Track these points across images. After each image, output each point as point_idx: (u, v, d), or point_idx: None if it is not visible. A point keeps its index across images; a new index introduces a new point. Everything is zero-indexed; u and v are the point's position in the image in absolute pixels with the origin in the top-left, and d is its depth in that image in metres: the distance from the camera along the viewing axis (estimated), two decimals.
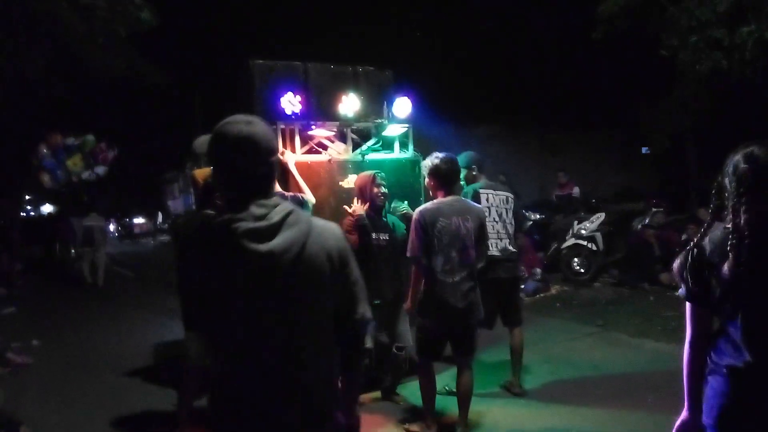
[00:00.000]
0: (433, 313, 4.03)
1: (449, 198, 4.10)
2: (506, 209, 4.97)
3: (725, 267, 1.93)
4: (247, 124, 1.80)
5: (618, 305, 8.08)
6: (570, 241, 9.92)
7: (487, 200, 4.89)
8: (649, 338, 6.46)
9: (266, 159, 1.80)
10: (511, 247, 4.91)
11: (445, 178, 4.10)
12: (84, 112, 15.33)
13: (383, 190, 4.65)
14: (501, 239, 4.90)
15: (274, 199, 1.81)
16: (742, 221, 1.94)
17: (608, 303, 8.24)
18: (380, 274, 4.53)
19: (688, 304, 2.11)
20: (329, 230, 1.91)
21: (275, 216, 1.76)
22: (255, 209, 1.74)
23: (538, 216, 11.11)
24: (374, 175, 4.65)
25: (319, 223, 1.90)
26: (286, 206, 1.80)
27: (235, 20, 16.69)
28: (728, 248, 1.93)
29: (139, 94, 14.51)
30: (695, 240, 2.07)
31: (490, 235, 4.59)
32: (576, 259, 9.85)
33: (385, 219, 4.72)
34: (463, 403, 4.17)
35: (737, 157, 2.01)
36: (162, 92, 13.23)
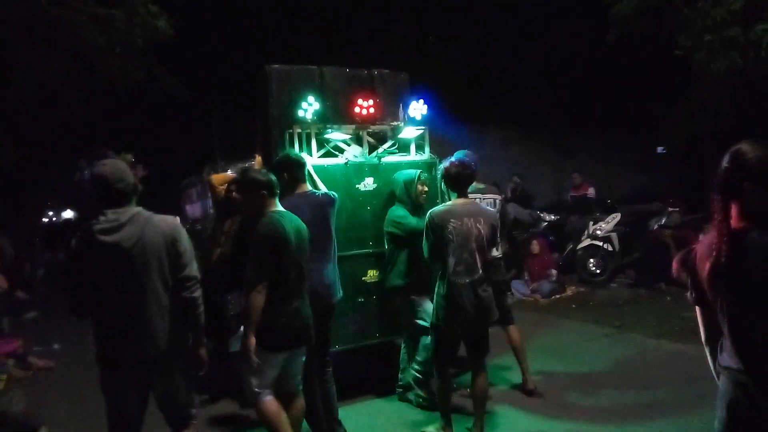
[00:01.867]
0: (447, 315, 4.04)
1: (461, 200, 4.14)
2: None
3: (707, 267, 1.95)
4: (102, 165, 3.01)
5: (635, 306, 8.05)
6: (586, 242, 9.89)
7: None
8: (667, 339, 6.44)
9: (114, 186, 2.93)
10: (494, 251, 4.86)
11: (456, 181, 4.14)
12: (103, 122, 15.58)
13: (426, 189, 4.87)
14: None
15: (131, 209, 2.96)
16: (725, 219, 1.94)
17: (625, 304, 8.21)
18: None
19: (696, 307, 2.14)
20: (165, 221, 3.04)
21: (122, 218, 2.89)
22: (109, 215, 2.90)
23: (553, 217, 11.09)
24: (419, 174, 4.87)
25: (158, 217, 3.02)
26: (133, 211, 2.96)
27: (251, 28, 16.85)
28: (713, 248, 1.94)
29: (158, 103, 14.69)
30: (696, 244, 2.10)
31: None
32: (592, 260, 9.82)
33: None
34: (479, 405, 4.20)
35: (726, 156, 2.01)
36: (179, 101, 13.38)
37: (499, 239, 4.52)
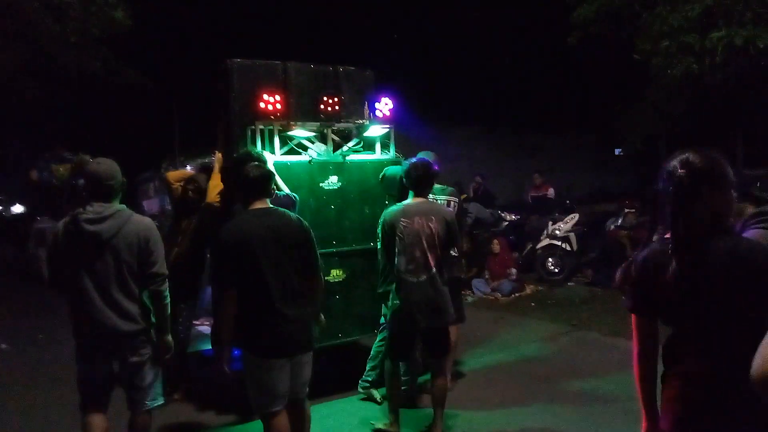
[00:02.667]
0: (400, 314, 4.05)
1: (416, 200, 4.15)
2: None
3: (669, 272, 1.93)
4: (97, 164, 3.38)
5: (591, 305, 8.22)
6: (545, 242, 10.05)
7: None
8: (622, 337, 6.56)
9: (105, 183, 3.30)
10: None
11: (415, 182, 4.14)
12: (59, 113, 15.11)
13: None
14: None
15: (115, 205, 3.32)
16: (681, 226, 1.94)
17: (582, 302, 8.38)
18: None
19: (633, 316, 2.10)
20: (142, 222, 3.39)
21: (106, 212, 3.26)
22: (96, 207, 3.26)
23: (514, 217, 11.23)
24: None
25: (137, 217, 3.39)
26: (117, 208, 3.32)
27: (213, 21, 16.57)
28: (669, 254, 1.94)
29: (115, 95, 14.33)
30: (635, 253, 2.08)
31: None
32: (551, 259, 9.98)
33: None
34: (438, 405, 4.21)
35: (673, 164, 1.99)
36: (138, 93, 13.08)
37: (459, 238, 4.49)
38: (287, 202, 4.21)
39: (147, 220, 3.46)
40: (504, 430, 4.42)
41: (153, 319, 3.40)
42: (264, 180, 3.43)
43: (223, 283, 3.31)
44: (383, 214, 4.18)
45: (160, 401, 3.50)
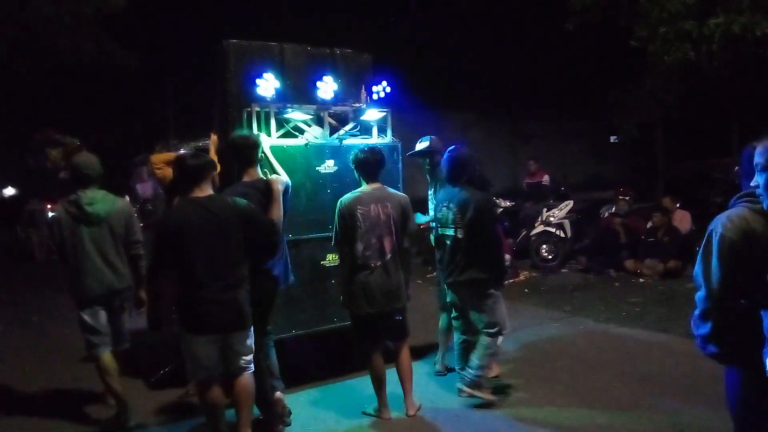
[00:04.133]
0: (359, 299, 4.17)
1: (370, 186, 4.26)
2: None
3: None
4: (80, 158, 4.46)
5: (585, 291, 8.26)
6: (539, 228, 10.08)
7: None
8: (615, 323, 6.62)
9: (88, 174, 4.29)
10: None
11: (366, 168, 4.27)
12: (52, 95, 14.97)
13: None
14: None
15: (100, 191, 4.33)
16: None
17: (575, 289, 8.41)
18: None
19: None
20: (124, 201, 4.72)
21: (97, 196, 4.28)
22: (89, 192, 4.25)
23: (508, 203, 11.23)
24: None
25: (120, 199, 4.55)
26: (102, 192, 4.33)
27: (208, 1, 16.41)
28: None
29: (109, 77, 14.21)
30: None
31: None
32: (545, 246, 10.02)
33: None
34: (406, 381, 4.36)
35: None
36: (133, 75, 12.97)
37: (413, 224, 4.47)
38: (243, 191, 3.99)
39: (125, 200, 4.74)
40: (495, 415, 4.43)
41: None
42: (200, 169, 3.63)
43: (156, 264, 3.74)
44: (339, 201, 4.26)
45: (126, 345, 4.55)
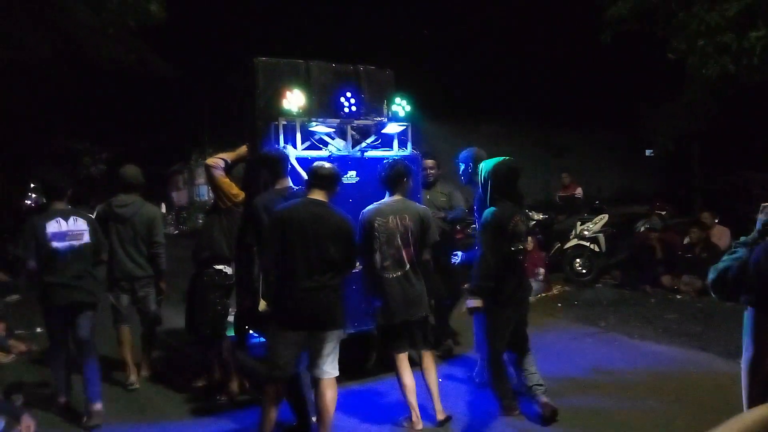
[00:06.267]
0: (381, 309, 4.28)
1: (391, 198, 4.42)
2: None
3: None
4: (125, 168, 5.51)
5: (619, 307, 8.10)
6: (573, 242, 9.93)
7: None
8: (650, 340, 6.48)
9: (130, 182, 5.43)
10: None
11: (387, 181, 4.43)
12: (92, 104, 15.38)
13: None
14: None
15: (134, 196, 5.41)
16: None
17: (609, 304, 8.25)
18: None
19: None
20: (152, 208, 5.61)
21: (128, 201, 5.35)
22: (121, 197, 5.37)
23: (541, 216, 11.13)
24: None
25: (148, 204, 5.54)
26: (135, 198, 5.40)
27: (243, 18, 16.72)
28: None
29: (147, 87, 14.55)
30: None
31: None
32: (578, 260, 9.87)
33: None
34: (433, 387, 4.38)
35: None
36: (170, 86, 13.27)
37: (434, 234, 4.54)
38: (272, 198, 4.36)
39: (153, 207, 5.68)
40: (528, 430, 4.38)
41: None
42: (331, 178, 3.99)
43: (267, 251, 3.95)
44: (362, 213, 4.39)
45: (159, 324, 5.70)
